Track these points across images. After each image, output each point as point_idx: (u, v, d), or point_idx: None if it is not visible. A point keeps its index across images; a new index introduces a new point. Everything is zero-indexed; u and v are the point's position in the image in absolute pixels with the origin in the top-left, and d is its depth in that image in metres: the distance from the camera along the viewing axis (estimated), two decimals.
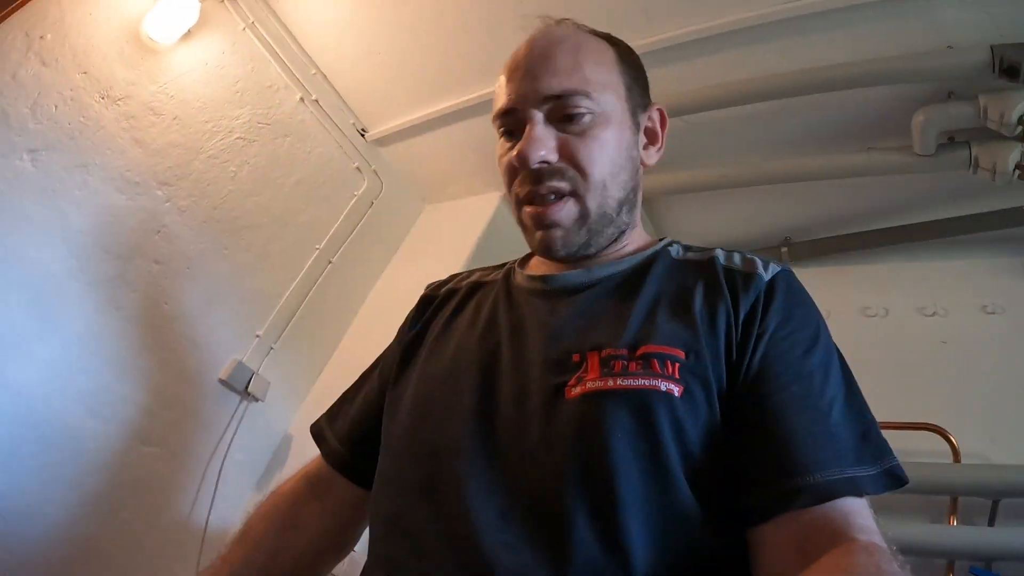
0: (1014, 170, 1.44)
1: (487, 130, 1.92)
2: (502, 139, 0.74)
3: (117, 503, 1.48)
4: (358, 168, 2.09)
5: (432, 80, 1.93)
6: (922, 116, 1.49)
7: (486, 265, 0.93)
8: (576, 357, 0.63)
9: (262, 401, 1.78)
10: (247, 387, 1.74)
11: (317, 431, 0.87)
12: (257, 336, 1.81)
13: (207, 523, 1.61)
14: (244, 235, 1.80)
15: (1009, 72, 1.28)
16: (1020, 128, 1.36)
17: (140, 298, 1.57)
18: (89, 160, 1.51)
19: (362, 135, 2.11)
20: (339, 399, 0.91)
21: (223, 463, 1.67)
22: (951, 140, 1.55)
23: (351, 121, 2.09)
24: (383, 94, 2.03)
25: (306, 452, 1.76)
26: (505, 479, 0.59)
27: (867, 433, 0.59)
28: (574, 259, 0.73)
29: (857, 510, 0.54)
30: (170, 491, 1.59)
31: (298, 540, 0.78)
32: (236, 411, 1.73)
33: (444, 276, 1.94)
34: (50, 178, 1.44)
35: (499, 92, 0.74)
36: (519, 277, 0.80)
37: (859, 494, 0.55)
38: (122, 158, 1.56)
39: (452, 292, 0.88)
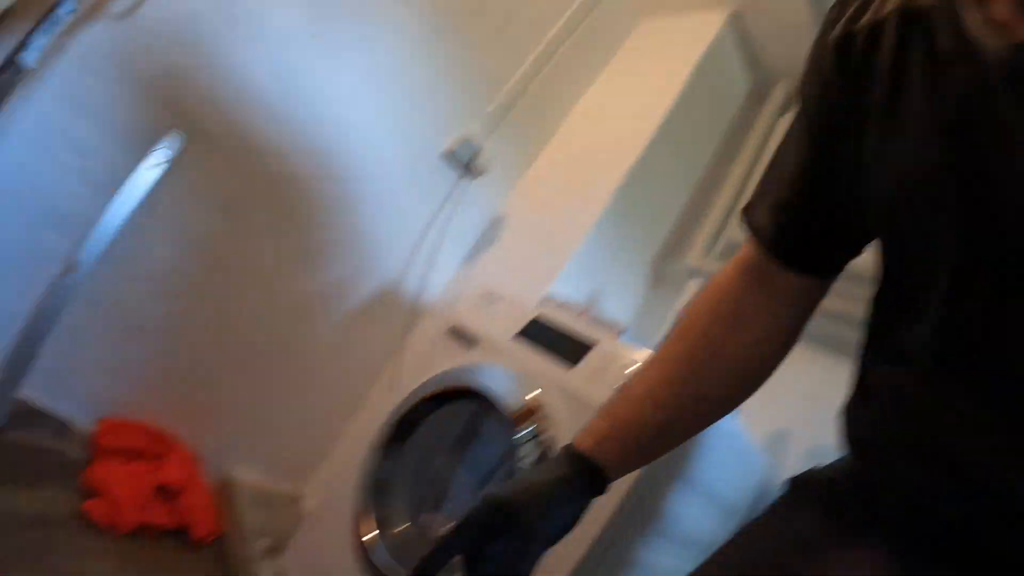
0: None
1: None
2: None
3: (332, 256, 1.67)
4: None
5: None
6: None
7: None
8: None
9: (483, 176, 1.84)
10: (469, 163, 1.79)
11: (746, 213, 0.70)
12: (484, 114, 1.84)
13: (420, 292, 1.78)
14: (481, 15, 1.78)
15: None
16: None
17: (370, 64, 1.63)
18: None
19: None
20: (761, 178, 0.71)
21: (440, 235, 1.80)
22: None
23: None
24: None
25: (514, 235, 1.86)
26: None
27: None
28: None
29: None
30: (384, 252, 1.77)
31: (743, 334, 0.69)
32: (456, 186, 1.81)
33: (650, 96, 1.84)
34: None
35: None
36: (976, 27, 0.47)
37: None
38: None
39: (877, 28, 0.55)
